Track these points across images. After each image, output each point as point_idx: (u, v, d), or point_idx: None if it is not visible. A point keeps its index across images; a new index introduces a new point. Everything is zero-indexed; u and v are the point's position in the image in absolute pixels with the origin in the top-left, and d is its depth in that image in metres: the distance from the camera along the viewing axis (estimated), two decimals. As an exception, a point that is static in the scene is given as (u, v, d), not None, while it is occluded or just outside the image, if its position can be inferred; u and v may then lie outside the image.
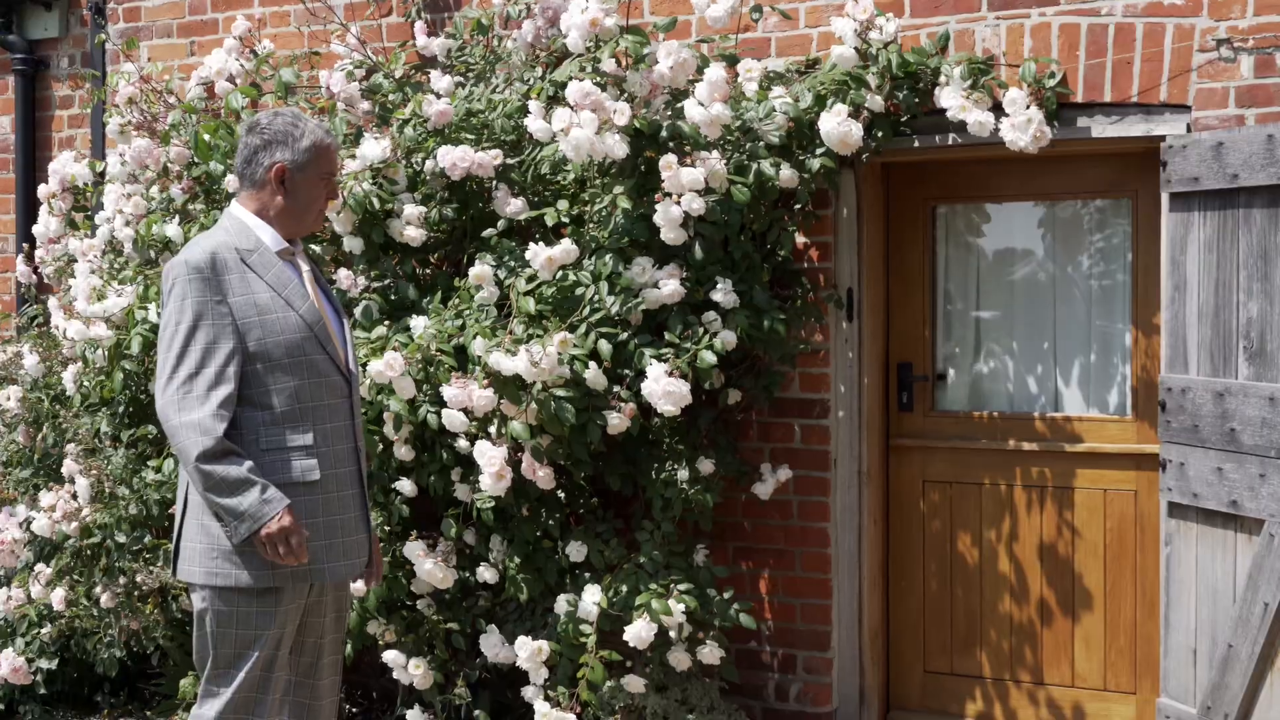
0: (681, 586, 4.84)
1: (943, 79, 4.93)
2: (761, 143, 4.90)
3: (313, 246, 5.27)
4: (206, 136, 5.44)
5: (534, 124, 4.95)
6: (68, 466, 5.61)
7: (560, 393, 4.70)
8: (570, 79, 4.86)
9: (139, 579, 5.56)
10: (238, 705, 3.81)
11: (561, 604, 4.93)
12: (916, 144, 5.12)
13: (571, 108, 4.76)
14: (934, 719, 5.57)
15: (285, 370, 3.79)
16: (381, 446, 5.01)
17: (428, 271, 5.38)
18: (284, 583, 3.78)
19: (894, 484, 5.61)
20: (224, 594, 3.78)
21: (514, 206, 5.13)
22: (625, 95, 4.87)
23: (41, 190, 6.29)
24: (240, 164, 3.94)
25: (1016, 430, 5.42)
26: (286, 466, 3.77)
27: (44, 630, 5.84)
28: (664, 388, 4.66)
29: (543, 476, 4.81)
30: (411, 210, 5.13)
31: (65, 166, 6.22)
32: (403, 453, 5.00)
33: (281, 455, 3.78)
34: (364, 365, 4.85)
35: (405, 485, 5.08)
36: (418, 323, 4.98)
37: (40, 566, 5.68)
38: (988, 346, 5.57)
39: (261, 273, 3.82)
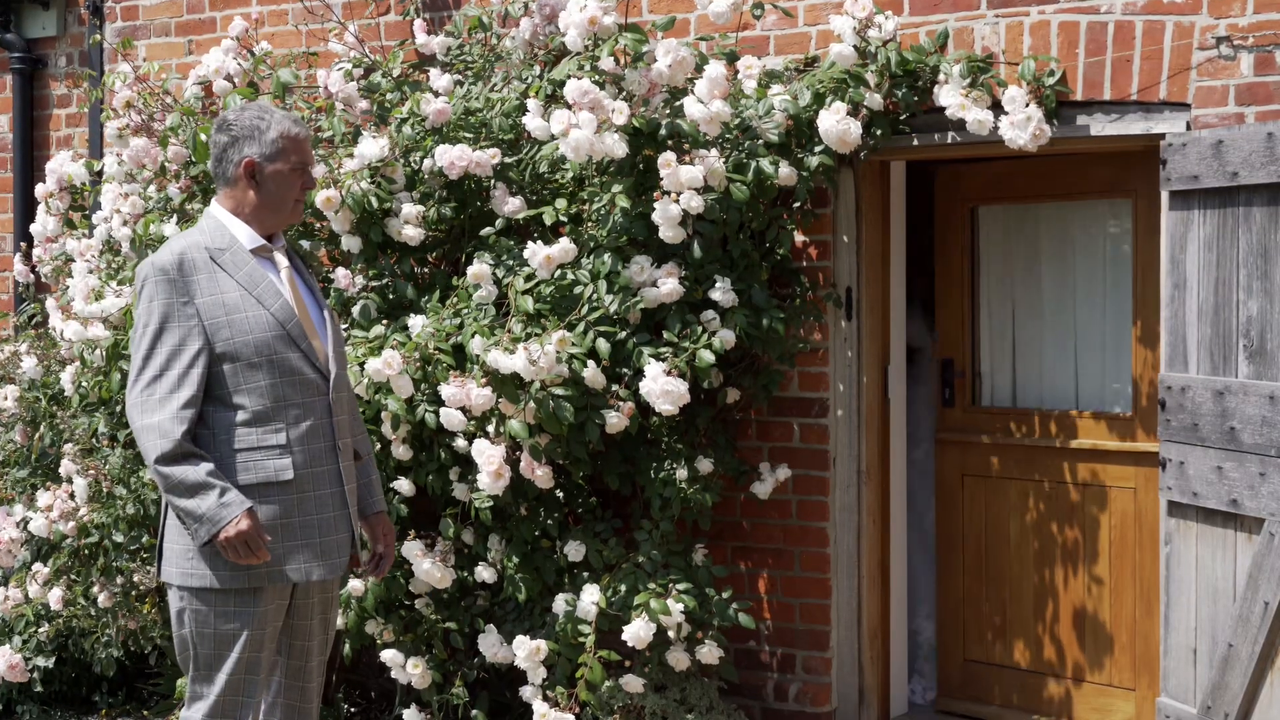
0: (680, 586, 4.83)
1: (942, 77, 4.92)
2: (760, 141, 4.89)
3: (302, 243, 5.26)
4: (204, 138, 5.43)
5: (532, 123, 4.94)
6: (65, 466, 5.60)
7: (558, 391, 4.69)
8: (569, 77, 4.85)
9: (136, 579, 5.55)
10: (223, 708, 3.79)
11: (560, 604, 4.91)
12: (916, 142, 5.11)
13: (570, 107, 4.75)
14: (973, 706, 5.67)
15: (256, 369, 3.77)
16: (379, 446, 4.99)
17: (426, 270, 5.37)
18: (259, 583, 3.77)
19: (939, 478, 5.78)
20: (199, 594, 3.77)
21: (512, 205, 5.12)
22: (623, 94, 4.86)
23: (39, 189, 6.28)
24: (213, 164, 3.92)
25: (1047, 426, 5.46)
26: (259, 466, 3.76)
27: (41, 630, 5.83)
28: (662, 387, 4.65)
29: (541, 476, 4.80)
30: (409, 209, 5.11)
31: (63, 166, 6.21)
32: (400, 452, 4.99)
33: (254, 454, 3.76)
34: (362, 364, 4.84)
35: (403, 484, 5.07)
36: (416, 321, 4.97)
37: (38, 566, 5.67)
38: (1023, 345, 5.62)
39: (232, 271, 3.80)
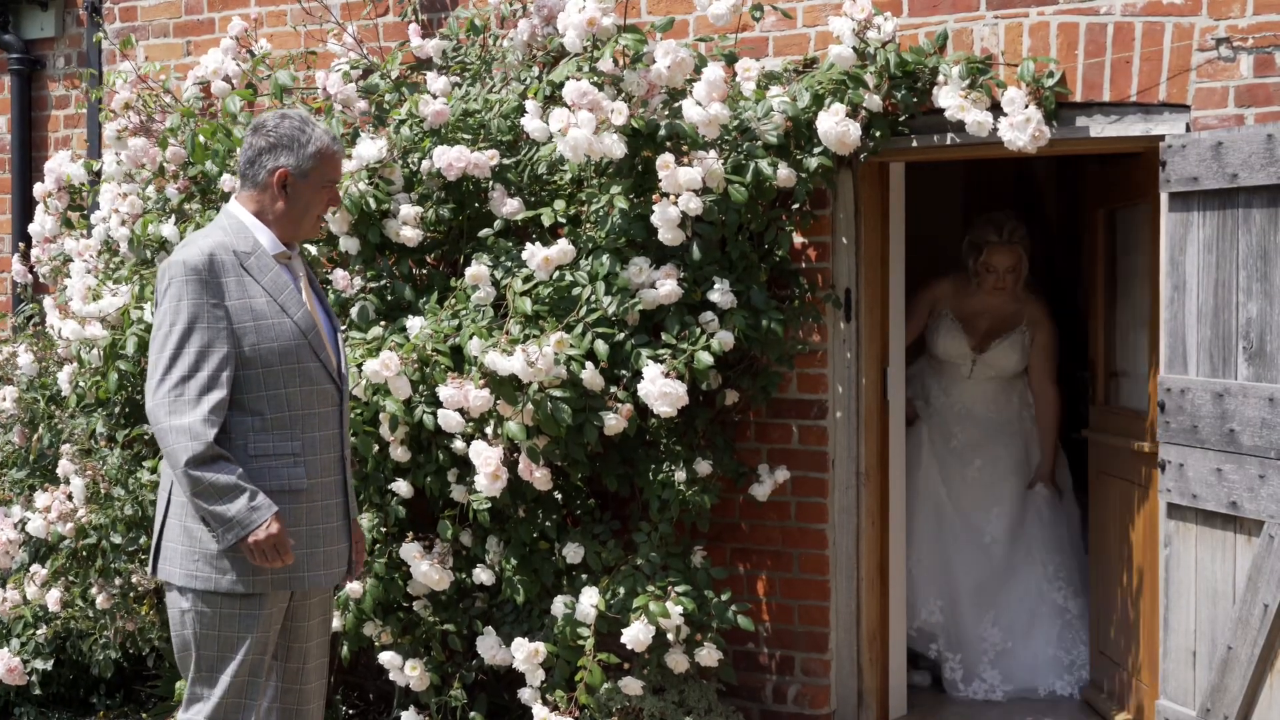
0: (679, 588, 4.82)
1: (941, 78, 4.91)
2: (759, 142, 4.88)
3: (308, 248, 5.25)
4: (202, 139, 5.41)
5: (531, 124, 4.93)
6: (63, 467, 5.58)
7: (557, 393, 4.68)
8: (567, 78, 4.85)
9: (135, 580, 5.53)
10: (224, 710, 3.78)
11: (558, 606, 4.90)
12: (915, 144, 5.10)
13: (569, 107, 4.74)
14: (1100, 697, 5.75)
15: (278, 377, 3.76)
16: (377, 448, 4.98)
17: (424, 272, 5.36)
18: (265, 589, 3.76)
19: (1090, 473, 5.87)
20: (205, 597, 3.76)
21: (510, 207, 5.11)
22: (622, 95, 4.85)
23: (37, 189, 6.27)
24: (243, 164, 3.90)
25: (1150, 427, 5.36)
26: (274, 474, 3.75)
27: (39, 631, 5.82)
28: (660, 389, 4.64)
29: (539, 477, 4.79)
30: (408, 210, 5.10)
31: (61, 165, 6.19)
32: (399, 454, 4.98)
33: (269, 462, 3.75)
34: (359, 365, 4.83)
35: (402, 486, 5.06)
36: (414, 323, 4.96)
37: (35, 567, 5.66)
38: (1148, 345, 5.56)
39: (258, 276, 3.79)
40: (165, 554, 3.82)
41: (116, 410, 5.69)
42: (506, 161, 5.18)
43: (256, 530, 3.64)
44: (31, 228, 6.32)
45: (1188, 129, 4.73)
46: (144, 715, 5.95)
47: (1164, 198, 4.73)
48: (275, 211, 3.87)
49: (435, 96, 5.25)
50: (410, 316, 5.03)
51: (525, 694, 4.99)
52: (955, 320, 6.20)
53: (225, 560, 3.72)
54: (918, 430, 6.18)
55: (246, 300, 3.75)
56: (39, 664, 5.91)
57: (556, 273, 4.89)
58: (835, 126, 4.77)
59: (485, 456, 4.71)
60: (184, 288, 3.71)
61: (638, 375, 4.77)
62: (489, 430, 4.80)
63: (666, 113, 4.92)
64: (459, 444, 4.88)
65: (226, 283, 3.74)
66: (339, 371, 3.93)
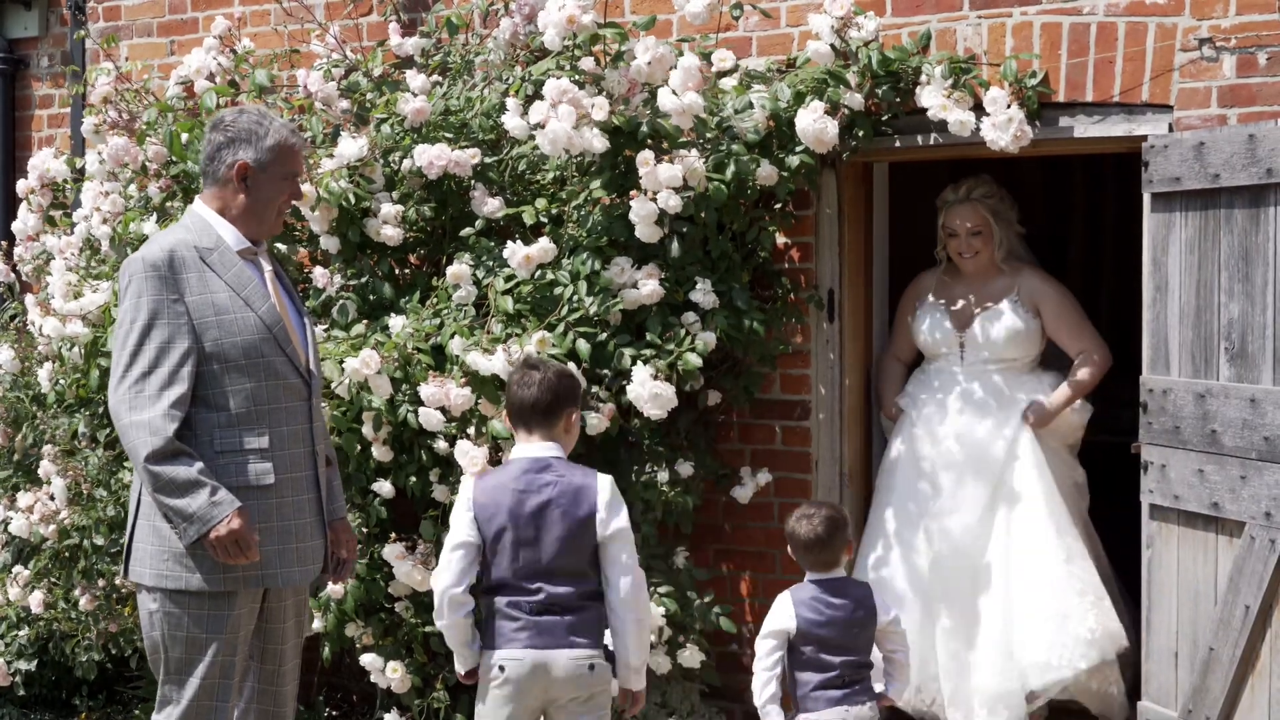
0: (662, 589, 4.81)
1: (924, 78, 4.91)
2: (739, 141, 4.88)
3: (279, 246, 5.23)
4: (184, 136, 5.40)
5: (512, 121, 4.92)
6: (44, 467, 5.57)
7: (538, 392, 4.66)
8: (546, 73, 4.84)
9: (118, 581, 5.51)
10: (195, 713, 3.76)
11: (540, 606, 4.89)
12: (898, 144, 5.09)
13: (550, 105, 4.73)
14: None
15: (242, 371, 3.75)
16: (359, 448, 4.96)
17: (406, 271, 5.35)
18: (236, 587, 3.74)
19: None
20: (174, 597, 3.74)
21: (491, 205, 5.10)
22: (603, 93, 4.85)
23: (20, 185, 6.25)
24: (204, 161, 3.90)
25: None
26: (241, 469, 3.74)
27: (22, 633, 5.80)
28: (650, 391, 4.63)
29: (521, 478, 4.76)
30: (388, 209, 5.09)
31: (45, 161, 6.18)
32: (381, 453, 4.96)
33: (236, 458, 3.74)
34: (340, 363, 4.81)
35: (384, 487, 5.04)
36: (396, 322, 4.95)
37: (19, 568, 5.64)
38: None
39: (221, 272, 3.78)
40: (136, 554, 3.80)
41: (100, 410, 5.66)
42: (488, 160, 5.17)
43: (218, 525, 3.62)
44: (14, 226, 6.30)
45: (1171, 129, 4.72)
46: (128, 716, 5.93)
47: (1146, 198, 4.71)
48: (237, 206, 3.86)
49: (415, 95, 5.23)
50: (392, 315, 5.02)
51: (507, 695, 4.96)
52: (938, 303, 5.39)
53: (195, 559, 3.70)
54: (903, 426, 5.37)
55: (208, 295, 3.74)
56: (22, 665, 5.89)
57: (538, 272, 4.88)
58: (813, 124, 4.76)
59: (471, 456, 4.69)
60: (144, 284, 3.70)
61: (619, 375, 4.76)
62: (471, 429, 4.78)
63: (648, 111, 4.92)
64: (441, 444, 4.86)
65: (187, 278, 3.73)
66: (307, 367, 3.90)
